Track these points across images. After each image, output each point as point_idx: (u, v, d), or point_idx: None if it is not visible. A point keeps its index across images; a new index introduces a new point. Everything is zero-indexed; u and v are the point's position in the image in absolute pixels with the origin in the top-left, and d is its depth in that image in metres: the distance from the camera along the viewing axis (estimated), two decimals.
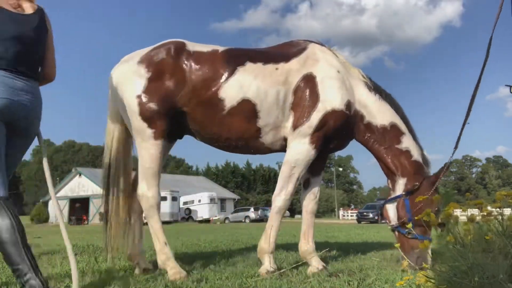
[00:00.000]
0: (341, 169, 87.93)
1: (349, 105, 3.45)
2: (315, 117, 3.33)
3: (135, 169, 3.55)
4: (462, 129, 3.39)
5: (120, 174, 3.52)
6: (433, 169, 3.67)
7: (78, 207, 40.32)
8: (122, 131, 3.56)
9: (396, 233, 3.48)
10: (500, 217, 1.67)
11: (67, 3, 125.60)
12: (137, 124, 3.28)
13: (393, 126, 3.56)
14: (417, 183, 3.41)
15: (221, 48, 3.50)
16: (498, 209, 1.72)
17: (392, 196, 3.56)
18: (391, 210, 3.53)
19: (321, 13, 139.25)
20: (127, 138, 3.58)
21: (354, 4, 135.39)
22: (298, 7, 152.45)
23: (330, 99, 3.36)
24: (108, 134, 3.60)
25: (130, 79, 3.34)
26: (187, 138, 3.76)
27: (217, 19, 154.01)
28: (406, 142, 3.57)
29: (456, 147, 3.40)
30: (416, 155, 3.56)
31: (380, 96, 3.61)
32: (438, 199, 1.84)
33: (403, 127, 3.60)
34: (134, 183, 3.56)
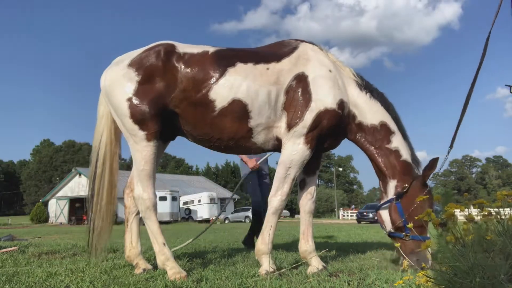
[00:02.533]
0: (341, 169, 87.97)
1: (341, 104, 3.44)
2: (309, 117, 3.32)
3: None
4: (457, 127, 3.43)
5: (105, 176, 3.54)
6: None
7: (78, 207, 40.35)
8: (110, 134, 3.57)
9: (390, 237, 3.48)
10: (500, 217, 1.67)
11: (67, 3, 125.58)
12: (129, 127, 3.29)
13: (383, 126, 3.55)
14: (406, 185, 3.41)
15: (211, 49, 3.49)
16: (497, 209, 1.72)
17: (384, 200, 3.56)
18: (384, 215, 3.53)
19: (321, 14, 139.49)
20: (114, 140, 3.60)
21: (354, 5, 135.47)
22: (297, 8, 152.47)
23: (323, 98, 3.35)
24: (97, 135, 3.61)
25: (120, 82, 3.34)
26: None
27: (217, 20, 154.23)
28: (396, 142, 3.55)
29: (451, 146, 3.45)
30: (405, 155, 3.54)
31: (371, 95, 3.60)
32: (438, 198, 1.83)
33: (393, 126, 3.58)
34: (131, 184, 3.57)
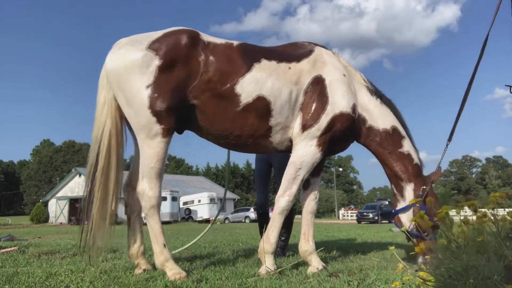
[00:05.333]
0: (341, 169, 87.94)
1: (354, 108, 3.50)
2: (324, 120, 3.34)
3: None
4: (456, 121, 3.51)
5: (111, 172, 3.23)
6: (431, 170, 3.75)
7: (78, 207, 40.31)
8: (114, 123, 3.23)
9: (414, 238, 3.48)
10: (495, 218, 1.68)
11: (66, 4, 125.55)
12: (145, 119, 3.02)
13: (395, 130, 3.64)
14: (425, 187, 3.49)
15: (235, 42, 3.42)
16: (492, 210, 1.73)
17: (402, 204, 3.62)
18: (404, 218, 3.58)
19: (320, 16, 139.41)
20: (120, 131, 3.29)
21: (354, 7, 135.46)
22: (297, 10, 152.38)
23: (338, 102, 3.39)
24: (98, 125, 3.24)
25: (138, 65, 3.02)
26: (187, 138, 3.72)
27: (217, 22, 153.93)
28: (407, 146, 3.65)
29: (449, 139, 3.54)
30: (416, 158, 3.66)
31: (381, 100, 3.68)
32: (431, 201, 1.84)
33: (402, 130, 3.68)
34: (132, 181, 3.43)
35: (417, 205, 3.47)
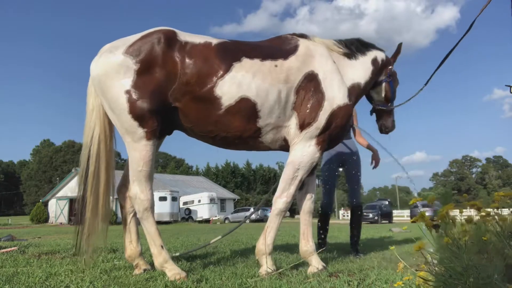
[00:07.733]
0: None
1: (348, 94, 3.49)
2: (323, 118, 3.30)
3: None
4: (436, 70, 3.95)
5: (101, 175, 3.25)
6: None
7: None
8: (103, 128, 3.27)
9: (379, 109, 4.03)
10: (497, 218, 1.69)
11: (65, 3, 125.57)
12: (127, 123, 3.04)
13: (374, 61, 3.86)
14: (391, 67, 3.97)
15: (214, 41, 3.32)
16: (495, 210, 1.73)
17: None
18: (374, 93, 4.04)
19: (320, 17, 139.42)
20: (109, 135, 3.32)
21: (353, 8, 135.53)
22: (297, 11, 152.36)
23: (335, 96, 3.35)
24: (87, 130, 3.28)
25: (116, 71, 3.03)
26: (188, 139, 3.73)
27: (217, 23, 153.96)
28: (374, 55, 3.90)
29: (426, 84, 3.99)
30: (379, 58, 3.92)
31: (355, 53, 3.78)
32: (433, 199, 1.85)
33: (372, 51, 3.92)
34: (126, 183, 3.41)
35: (387, 81, 3.97)
